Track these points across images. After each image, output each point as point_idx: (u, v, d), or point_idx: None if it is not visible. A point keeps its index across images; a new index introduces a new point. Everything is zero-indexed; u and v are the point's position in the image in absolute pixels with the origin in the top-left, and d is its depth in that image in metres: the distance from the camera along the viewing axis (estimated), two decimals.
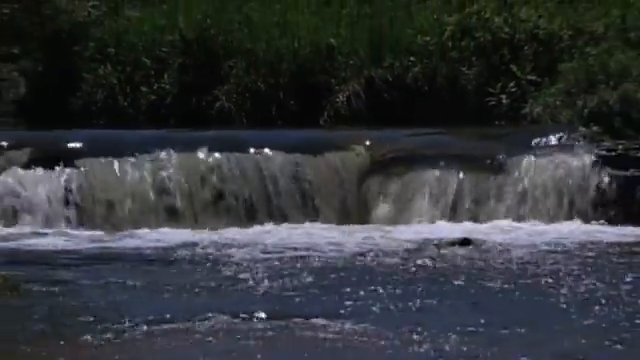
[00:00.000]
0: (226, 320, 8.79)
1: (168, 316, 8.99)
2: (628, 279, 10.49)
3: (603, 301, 9.57)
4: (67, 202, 13.83)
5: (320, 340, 8.16)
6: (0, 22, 18.56)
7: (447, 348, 7.80)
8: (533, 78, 16.92)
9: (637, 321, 8.63)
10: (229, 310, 9.06)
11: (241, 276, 10.85)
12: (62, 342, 8.07)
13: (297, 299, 9.78)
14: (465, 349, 7.83)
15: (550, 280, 10.67)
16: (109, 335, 8.25)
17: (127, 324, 8.66)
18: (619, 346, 7.75)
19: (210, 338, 8.26)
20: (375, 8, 19.09)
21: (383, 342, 8.10)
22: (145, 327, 8.58)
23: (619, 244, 12.47)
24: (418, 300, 9.67)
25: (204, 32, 18.76)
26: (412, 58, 17.64)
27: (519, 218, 13.89)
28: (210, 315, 8.95)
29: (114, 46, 19.07)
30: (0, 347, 7.95)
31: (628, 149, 14.15)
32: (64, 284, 10.50)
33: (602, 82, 15.21)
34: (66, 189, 13.86)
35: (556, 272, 11.07)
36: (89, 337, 8.15)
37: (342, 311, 9.22)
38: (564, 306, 9.62)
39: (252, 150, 14.39)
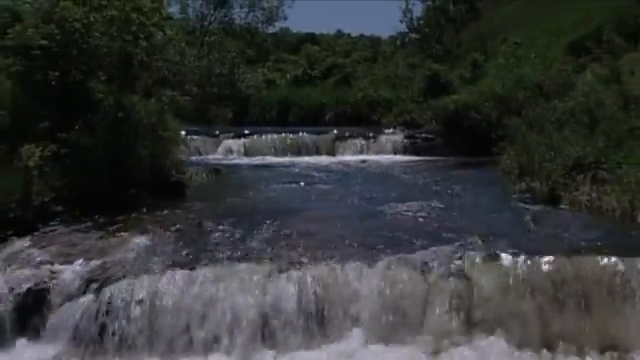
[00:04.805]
0: (287, 185, 7.80)
1: (273, 182, 8.02)
2: (419, 173, 9.32)
3: (411, 177, 8.67)
4: (243, 148, 12.34)
5: (316, 192, 7.26)
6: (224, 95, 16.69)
7: (361, 196, 6.96)
8: (384, 111, 15.06)
9: (428, 181, 7.86)
10: (291, 181, 8.18)
11: (292, 172, 9.63)
12: (242, 194, 7.01)
13: (311, 177, 8.72)
14: (367, 195, 7.04)
15: (392, 173, 9.53)
16: (261, 190, 7.35)
17: (265, 186, 7.70)
18: (433, 200, 6.71)
19: (283, 188, 7.48)
20: (337, 89, 17.57)
21: (340, 190, 7.30)
22: (272, 186, 7.74)
23: (413, 162, 11.19)
24: (350, 177, 8.91)
25: (286, 98, 17.13)
26: (349, 106, 15.86)
27: (380, 154, 12.26)
28: (285, 181, 8.12)
29: (258, 102, 17.30)
30: (215, 195, 6.93)
31: (413, 133, 12.82)
32: (241, 173, 9.40)
33: (404, 113, 13.80)
34: (244, 146, 12.41)
35: (395, 170, 9.86)
36: (251, 190, 7.29)
37: (326, 179, 8.36)
38: (397, 179, 8.75)
39: (300, 133, 12.90)
